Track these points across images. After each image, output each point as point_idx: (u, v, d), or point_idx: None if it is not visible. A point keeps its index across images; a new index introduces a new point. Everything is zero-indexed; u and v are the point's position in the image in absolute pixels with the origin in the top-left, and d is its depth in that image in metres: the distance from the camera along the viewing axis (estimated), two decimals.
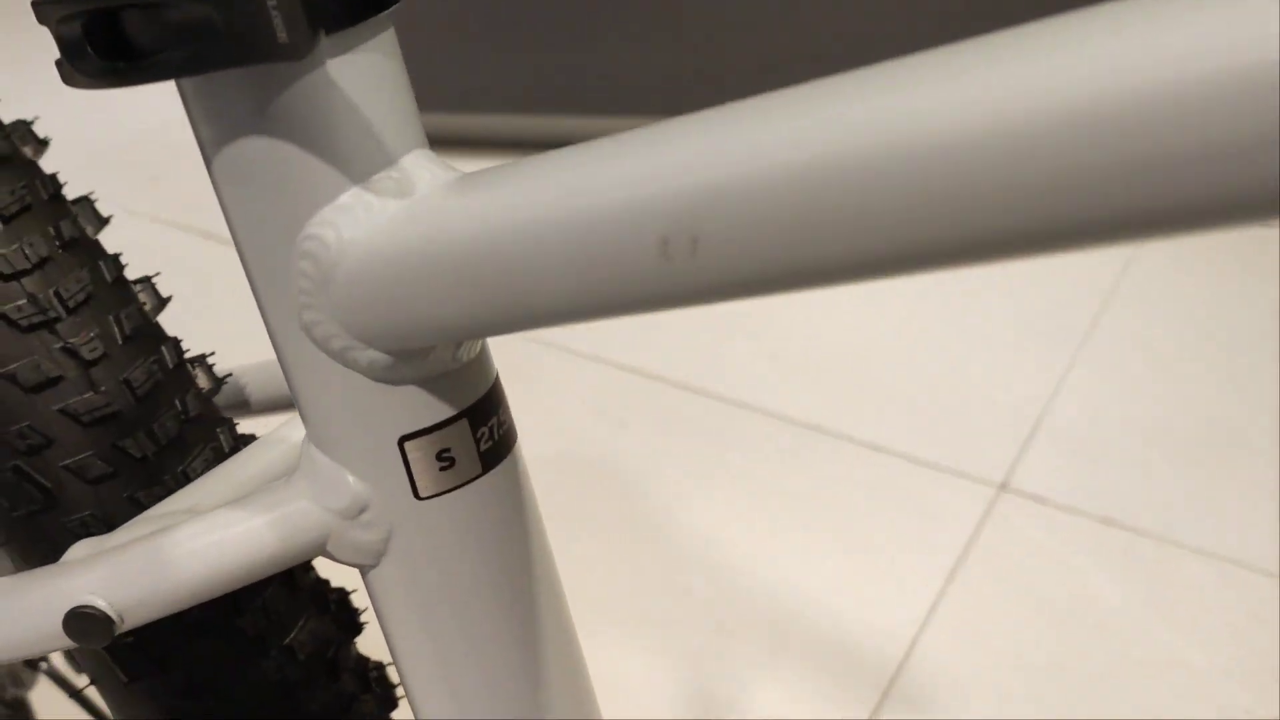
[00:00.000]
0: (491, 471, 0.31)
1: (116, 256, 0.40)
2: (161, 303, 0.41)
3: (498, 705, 0.33)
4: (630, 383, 1.42)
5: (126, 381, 0.38)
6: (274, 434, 0.37)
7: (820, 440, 1.31)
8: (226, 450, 0.39)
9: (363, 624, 0.43)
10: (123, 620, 0.30)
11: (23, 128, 0.40)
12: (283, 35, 0.23)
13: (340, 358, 0.28)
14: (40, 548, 0.37)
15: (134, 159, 2.04)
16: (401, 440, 0.29)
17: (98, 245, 0.40)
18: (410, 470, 0.30)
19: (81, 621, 0.30)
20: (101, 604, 0.30)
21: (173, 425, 0.38)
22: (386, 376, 0.29)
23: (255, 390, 0.47)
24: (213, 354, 0.43)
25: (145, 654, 0.38)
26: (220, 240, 1.63)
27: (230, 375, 0.47)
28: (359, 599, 0.44)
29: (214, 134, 0.27)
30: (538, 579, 0.33)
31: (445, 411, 0.29)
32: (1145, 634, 1.07)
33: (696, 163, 0.21)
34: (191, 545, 0.31)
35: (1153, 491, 1.21)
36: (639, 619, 1.12)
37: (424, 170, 0.28)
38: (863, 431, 1.32)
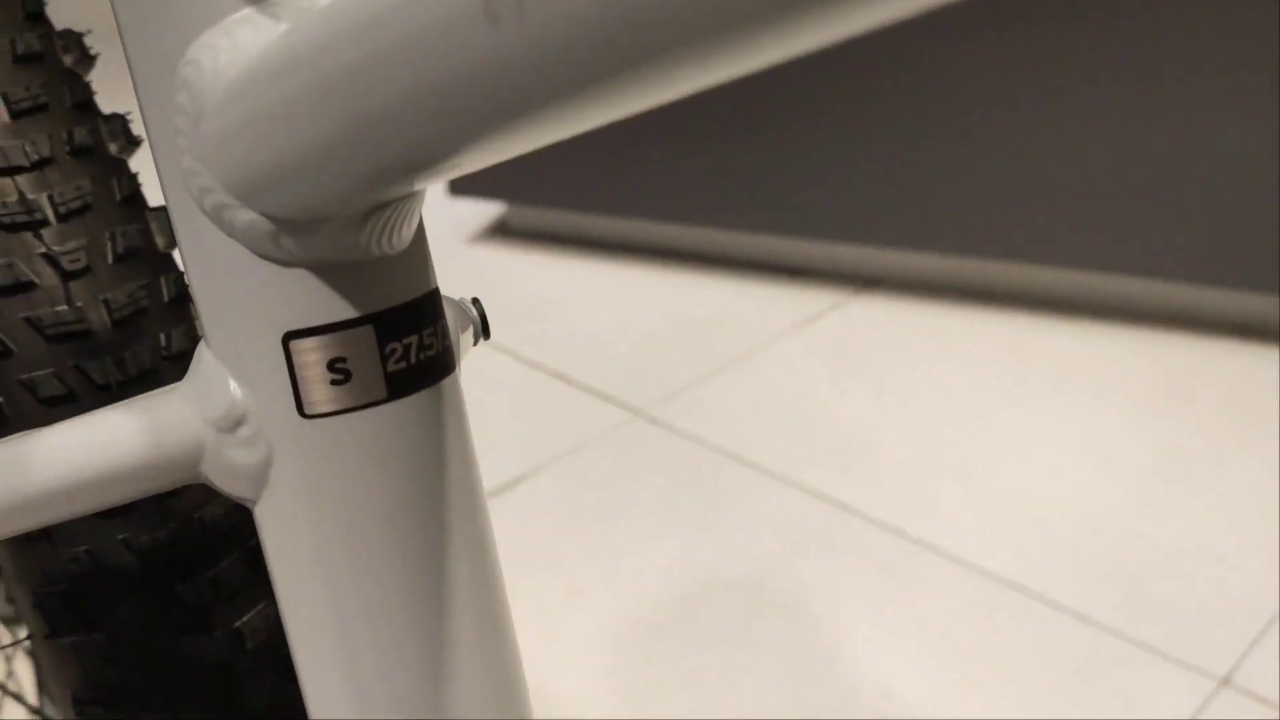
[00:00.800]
0: (401, 400, 0.25)
1: (134, 175, 0.37)
2: None
3: (396, 684, 0.26)
4: (820, 510, 1.33)
5: (105, 301, 0.34)
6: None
7: (1020, 600, 1.18)
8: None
9: None
10: None
11: (71, 36, 0.38)
12: None
13: (218, 219, 0.24)
14: None
15: None
16: (286, 338, 0.24)
17: (117, 161, 0.37)
18: (295, 377, 0.25)
19: None
20: None
21: (148, 358, 0.35)
22: (271, 251, 0.24)
23: None
24: None
25: (70, 607, 0.34)
26: None
27: None
28: None
29: None
30: (454, 541, 0.26)
31: (344, 311, 0.24)
32: None
33: None
34: (54, 442, 0.26)
35: None
36: None
37: None
38: (1070, 597, 1.18)
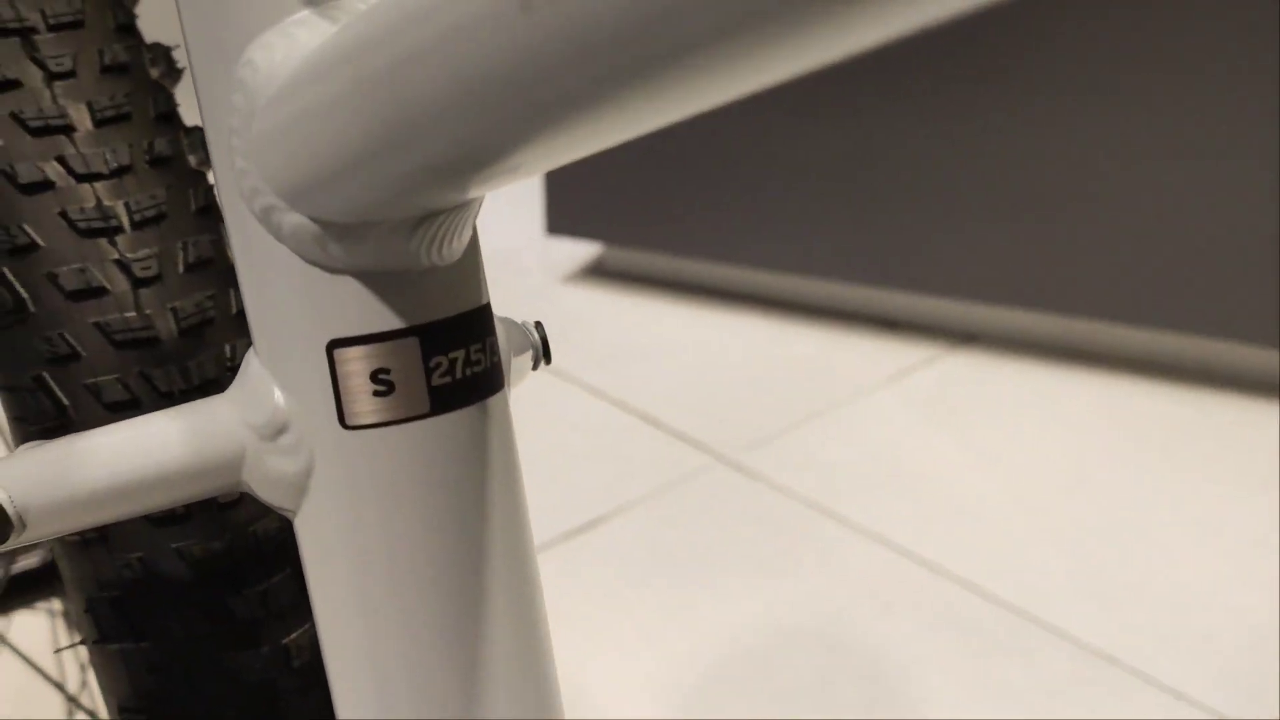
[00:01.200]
0: (444, 415, 0.24)
1: (210, 187, 0.38)
2: None
3: (425, 698, 0.26)
4: (906, 568, 1.30)
5: (173, 310, 0.34)
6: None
7: (1113, 673, 1.14)
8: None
9: None
10: (24, 523, 0.26)
11: (159, 49, 0.39)
12: None
13: (266, 222, 0.24)
14: None
15: None
16: (330, 346, 0.24)
17: (195, 173, 0.38)
18: (337, 387, 0.24)
19: None
20: (2, 496, 0.26)
21: (211, 368, 0.35)
22: (317, 257, 0.23)
23: None
24: None
25: (121, 614, 0.34)
26: None
27: None
28: None
29: None
30: (493, 562, 0.26)
31: (390, 320, 0.24)
32: None
33: None
34: (99, 442, 0.26)
35: None
36: None
37: None
38: (1167, 675, 1.14)
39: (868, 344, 1.79)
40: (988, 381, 1.69)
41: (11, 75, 0.35)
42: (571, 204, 1.95)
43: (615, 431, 1.61)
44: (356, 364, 0.24)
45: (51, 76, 0.35)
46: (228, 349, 0.35)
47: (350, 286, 0.24)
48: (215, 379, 0.35)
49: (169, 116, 0.38)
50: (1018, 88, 1.57)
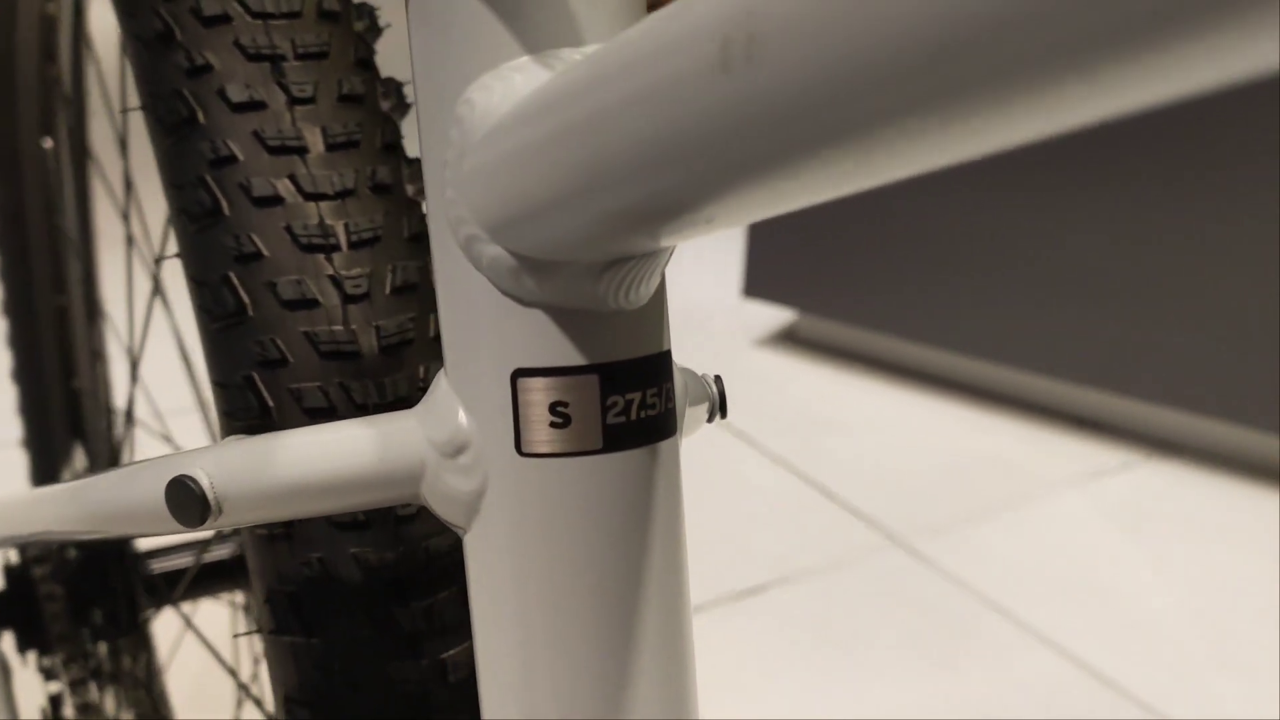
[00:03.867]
0: (616, 453, 0.25)
1: (424, 216, 0.40)
2: None
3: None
4: (1077, 679, 1.24)
5: (377, 328, 0.36)
6: None
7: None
8: None
9: None
10: (220, 509, 0.28)
11: (391, 84, 0.41)
12: None
13: (468, 252, 0.25)
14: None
15: None
16: (515, 375, 0.25)
17: (411, 202, 0.40)
18: (517, 415, 0.25)
19: (180, 491, 0.28)
20: (203, 478, 0.28)
21: (405, 387, 0.37)
22: (511, 288, 0.25)
23: None
24: None
25: (296, 610, 0.36)
26: None
27: None
28: None
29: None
30: (647, 602, 0.26)
31: (573, 356, 0.25)
32: None
33: None
34: (294, 442, 0.28)
35: None
36: None
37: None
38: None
39: (1062, 442, 1.73)
40: (1183, 494, 1.61)
41: (259, 97, 0.38)
42: (771, 268, 1.95)
43: (792, 500, 1.60)
44: (537, 394, 0.25)
45: (293, 101, 0.38)
46: (422, 370, 0.37)
47: (538, 319, 0.25)
48: (407, 397, 0.36)
49: (393, 147, 0.40)
50: (1234, 189, 1.50)
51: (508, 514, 0.26)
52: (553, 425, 0.25)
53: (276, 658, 0.37)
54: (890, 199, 1.77)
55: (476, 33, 0.24)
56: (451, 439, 0.26)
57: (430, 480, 0.27)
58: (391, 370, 0.37)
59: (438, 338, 0.38)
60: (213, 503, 0.28)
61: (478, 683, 0.29)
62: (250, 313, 0.36)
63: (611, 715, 0.26)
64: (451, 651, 0.36)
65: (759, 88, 0.16)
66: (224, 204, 0.37)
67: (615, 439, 0.25)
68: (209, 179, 0.37)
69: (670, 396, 0.27)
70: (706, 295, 2.19)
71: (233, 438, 0.30)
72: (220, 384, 0.37)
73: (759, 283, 1.97)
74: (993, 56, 0.13)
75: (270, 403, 0.36)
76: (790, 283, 1.95)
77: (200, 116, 0.38)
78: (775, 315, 2.12)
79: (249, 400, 0.36)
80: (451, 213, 0.25)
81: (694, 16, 0.17)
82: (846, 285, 1.89)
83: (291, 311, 0.36)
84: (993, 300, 1.74)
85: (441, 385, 0.27)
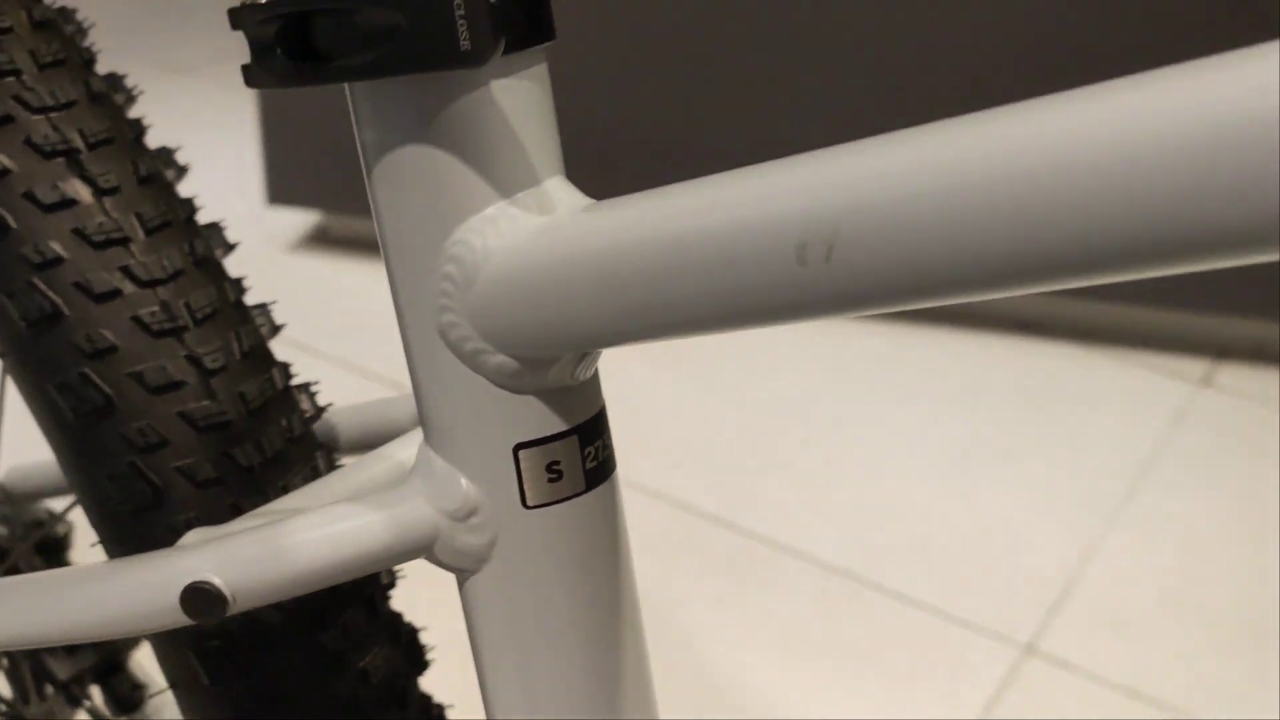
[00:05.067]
0: (593, 490, 0.33)
1: (239, 280, 0.43)
2: (275, 329, 0.44)
3: (573, 714, 0.34)
4: (657, 509, 1.43)
5: (241, 394, 0.40)
6: (379, 451, 0.39)
7: (849, 586, 1.31)
8: (324, 472, 0.41)
9: (429, 661, 0.44)
10: (235, 601, 0.32)
11: (166, 153, 0.43)
12: (466, 43, 0.26)
13: (470, 360, 0.31)
14: (144, 546, 0.39)
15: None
16: (517, 448, 0.31)
17: (223, 267, 0.42)
18: (521, 478, 0.32)
19: (197, 598, 0.32)
20: (217, 582, 0.32)
21: (278, 441, 0.41)
22: (510, 384, 0.31)
23: (345, 430, 0.49)
24: (316, 384, 0.45)
25: (230, 658, 0.39)
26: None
27: (328, 407, 0.49)
28: (427, 637, 0.45)
29: (378, 138, 0.30)
30: (623, 600, 0.34)
31: (559, 425, 0.31)
32: None
33: (837, 177, 0.23)
34: (307, 534, 0.32)
35: (1180, 668, 1.20)
36: None
37: (563, 193, 0.30)
38: (892, 581, 1.32)
39: None
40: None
41: (69, 194, 0.39)
42: (294, 173, 1.94)
43: (362, 398, 1.65)
44: (536, 459, 0.31)
45: (102, 192, 0.39)
46: (284, 422, 0.41)
47: (532, 403, 0.31)
48: (282, 450, 0.40)
49: (192, 219, 0.42)
50: None
51: (517, 556, 0.32)
52: (549, 480, 0.32)
53: (213, 708, 0.40)
54: None
55: (451, 185, 0.29)
56: (462, 506, 0.32)
57: (443, 542, 0.33)
58: (264, 429, 0.40)
59: (286, 390, 0.42)
60: (230, 599, 0.32)
61: (483, 699, 0.35)
62: (118, 404, 0.38)
63: (607, 715, 0.34)
64: (368, 658, 0.41)
65: (828, 279, 0.24)
66: (62, 305, 0.38)
67: (591, 479, 0.32)
68: (38, 282, 0.38)
69: (610, 435, 0.34)
70: (229, 209, 2.13)
71: (235, 529, 0.34)
72: (91, 480, 0.39)
73: (283, 189, 1.95)
74: (991, 269, 0.22)
75: (160, 484, 0.39)
76: (316, 185, 1.95)
77: (11, 222, 0.38)
78: (302, 218, 2.10)
79: (138, 486, 0.39)
80: (452, 334, 0.30)
81: (775, 217, 0.24)
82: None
83: (160, 395, 0.39)
84: None
85: (437, 462, 0.33)
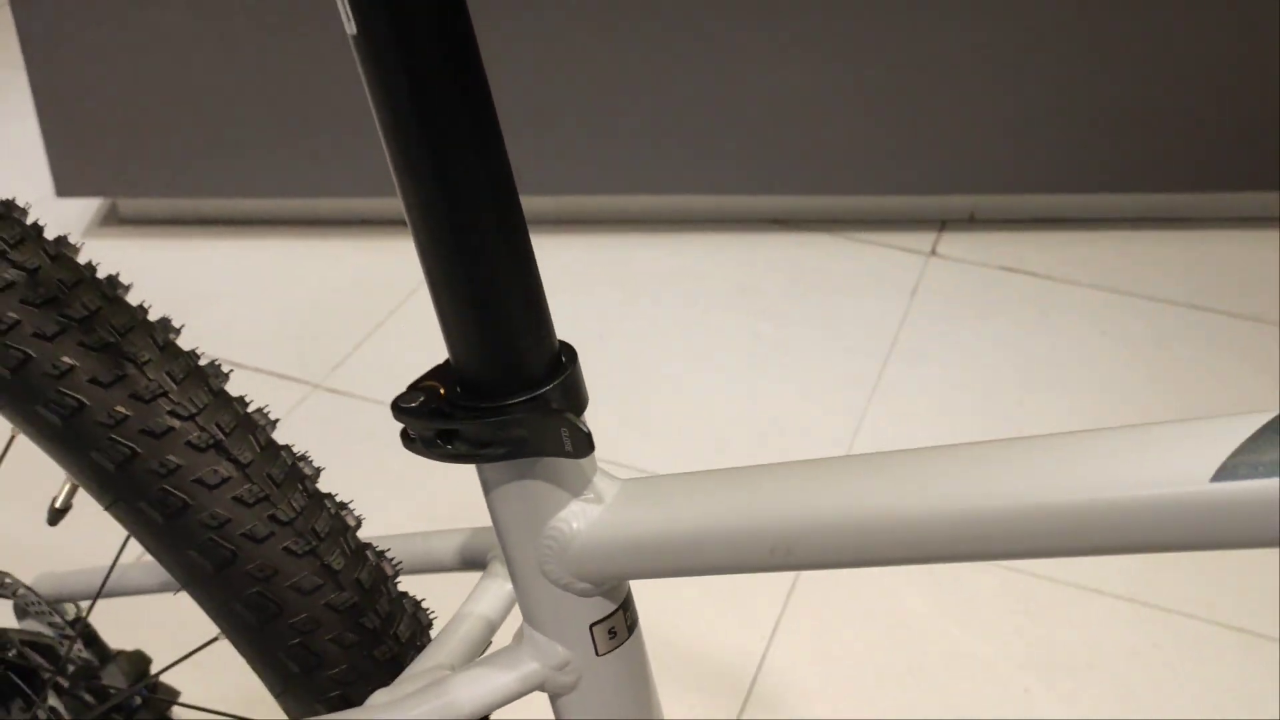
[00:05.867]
0: (632, 635, 0.54)
1: (333, 497, 0.61)
2: (358, 522, 0.62)
3: None
4: None
5: (357, 580, 0.59)
6: (461, 611, 0.59)
7: None
8: (414, 615, 0.61)
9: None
10: None
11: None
12: (569, 448, 0.46)
13: (562, 585, 0.51)
14: (309, 696, 0.58)
15: None
16: (591, 625, 0.52)
17: (326, 495, 0.61)
18: (594, 640, 0.53)
19: None
20: None
21: (385, 604, 0.60)
22: (586, 594, 0.51)
23: (403, 555, 0.68)
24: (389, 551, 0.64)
25: None
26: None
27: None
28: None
29: (498, 476, 0.49)
30: (657, 706, 0.56)
31: (612, 607, 0.53)
32: (943, 630, 1.37)
33: (792, 505, 0.45)
34: (467, 691, 0.52)
35: None
36: None
37: (604, 484, 0.51)
38: None
39: (397, 247, 2.05)
40: None
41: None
42: (82, 164, 1.99)
43: None
44: (602, 628, 0.52)
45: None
46: (384, 588, 0.60)
47: (598, 599, 0.51)
48: (390, 612, 0.59)
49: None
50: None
51: (595, 685, 0.54)
52: (610, 636, 0.53)
53: None
54: (190, 72, 1.88)
55: (545, 493, 0.49)
56: (560, 662, 0.53)
57: (548, 682, 0.53)
58: (375, 599, 0.59)
59: (379, 564, 0.61)
60: None
61: None
62: (284, 609, 0.57)
63: None
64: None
65: (791, 565, 0.45)
66: (237, 551, 0.56)
67: (630, 629, 0.54)
68: (218, 539, 0.56)
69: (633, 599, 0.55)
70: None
71: (409, 689, 0.53)
72: (269, 656, 0.58)
73: (71, 180, 2.00)
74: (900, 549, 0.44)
75: (319, 653, 0.58)
76: (104, 173, 2.01)
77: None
78: (91, 201, 2.14)
79: (306, 655, 0.58)
80: (552, 575, 0.51)
81: (756, 530, 0.45)
82: (164, 159, 1.99)
83: (308, 595, 0.57)
84: (291, 143, 1.96)
85: (538, 637, 0.53)
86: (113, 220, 2.12)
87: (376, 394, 1.74)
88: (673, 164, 1.96)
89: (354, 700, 0.58)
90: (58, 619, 0.85)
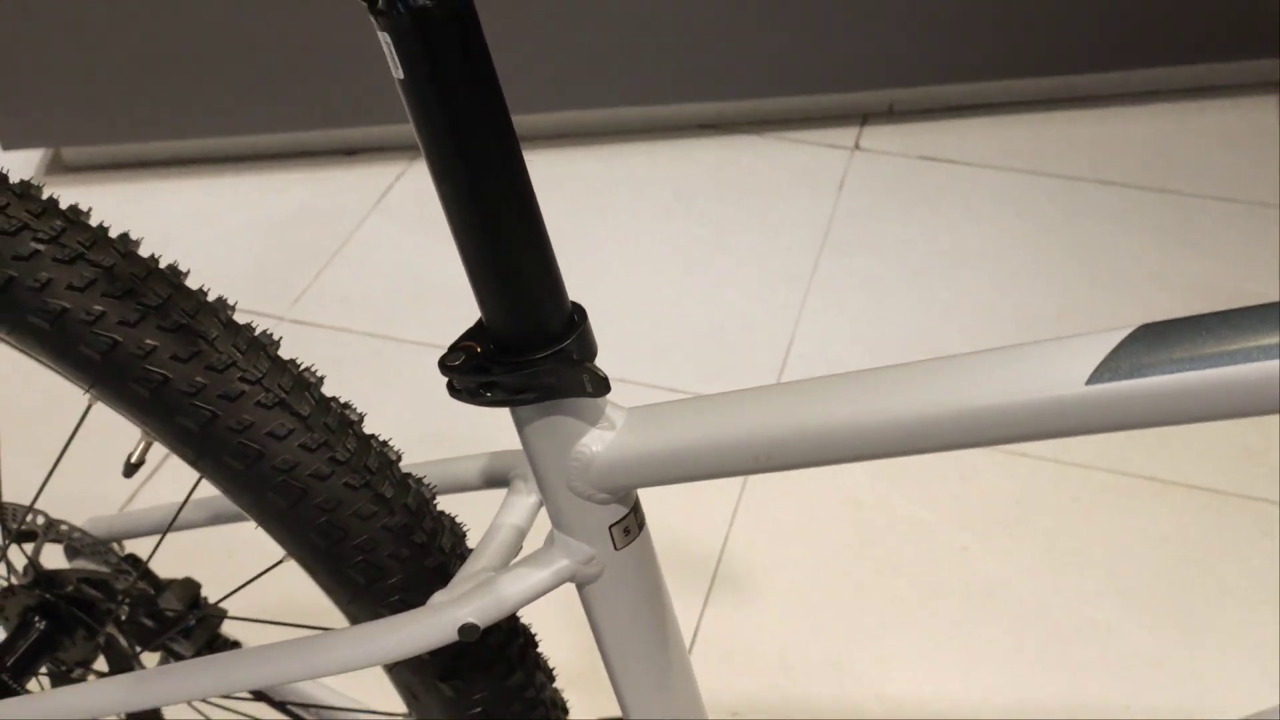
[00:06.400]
0: (642, 531, 0.65)
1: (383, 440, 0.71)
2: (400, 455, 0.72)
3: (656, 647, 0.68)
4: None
5: (405, 504, 0.69)
6: (495, 523, 0.70)
7: (634, 391, 1.68)
8: (452, 530, 0.72)
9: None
10: (482, 627, 0.63)
11: None
12: (590, 389, 0.57)
13: (585, 496, 0.62)
14: (374, 602, 0.69)
15: None
16: (610, 525, 0.63)
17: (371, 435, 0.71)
18: (613, 538, 0.64)
19: (466, 630, 0.62)
20: (476, 620, 0.62)
21: (429, 522, 0.71)
22: (606, 502, 0.62)
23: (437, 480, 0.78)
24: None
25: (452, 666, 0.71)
26: None
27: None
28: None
29: (530, 417, 0.60)
30: (664, 586, 0.68)
31: (626, 510, 0.64)
32: (886, 502, 1.51)
33: (778, 417, 0.56)
34: (512, 588, 0.63)
35: None
36: None
37: (615, 413, 0.61)
38: (667, 380, 1.69)
39: (342, 176, 2.11)
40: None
41: None
42: (22, 115, 2.02)
43: None
44: (619, 528, 0.63)
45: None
46: (427, 510, 0.71)
47: (615, 505, 0.63)
48: (434, 528, 0.70)
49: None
50: None
51: (614, 576, 0.65)
52: (625, 533, 0.64)
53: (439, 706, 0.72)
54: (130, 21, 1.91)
55: (569, 425, 0.60)
56: (586, 558, 0.64)
57: (578, 574, 0.65)
58: (421, 519, 0.70)
59: (420, 489, 0.72)
60: (480, 626, 0.63)
61: (601, 657, 0.68)
62: (349, 533, 0.67)
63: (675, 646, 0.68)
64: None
65: (774, 467, 0.57)
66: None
67: (640, 526, 0.65)
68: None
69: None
70: None
71: (464, 588, 0.64)
72: (340, 572, 0.69)
73: (15, 134, 2.03)
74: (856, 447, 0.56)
75: (382, 567, 0.69)
76: (47, 123, 2.04)
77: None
78: (35, 152, 2.17)
79: (372, 569, 0.68)
80: (578, 489, 0.61)
81: (745, 440, 0.56)
82: (103, 104, 2.02)
83: (367, 520, 0.68)
84: (221, 82, 2.00)
85: (567, 540, 0.64)
86: (58, 169, 2.15)
87: (340, 322, 1.82)
88: (606, 77, 2.04)
89: (412, 603, 0.69)
90: (113, 556, 0.95)
